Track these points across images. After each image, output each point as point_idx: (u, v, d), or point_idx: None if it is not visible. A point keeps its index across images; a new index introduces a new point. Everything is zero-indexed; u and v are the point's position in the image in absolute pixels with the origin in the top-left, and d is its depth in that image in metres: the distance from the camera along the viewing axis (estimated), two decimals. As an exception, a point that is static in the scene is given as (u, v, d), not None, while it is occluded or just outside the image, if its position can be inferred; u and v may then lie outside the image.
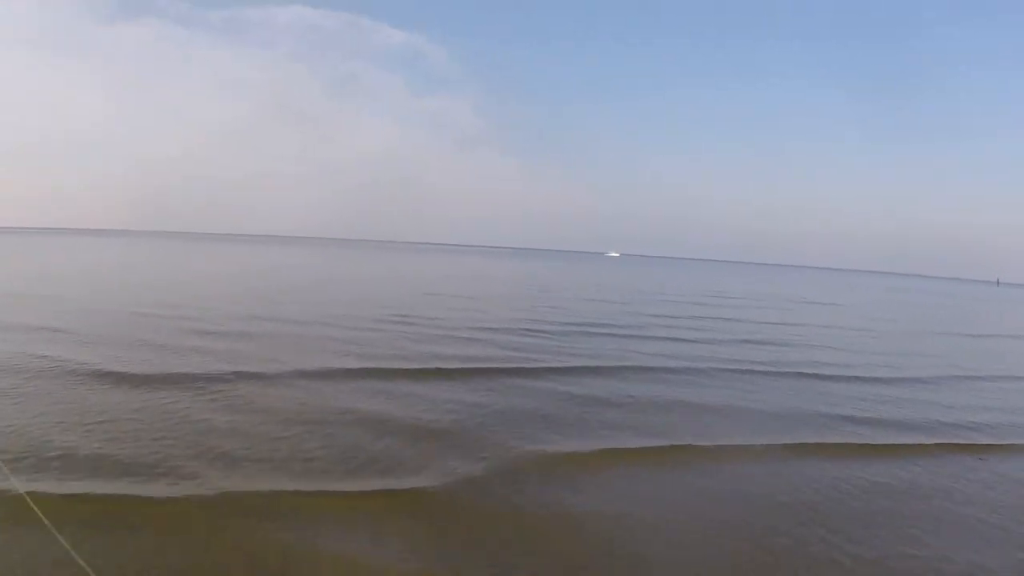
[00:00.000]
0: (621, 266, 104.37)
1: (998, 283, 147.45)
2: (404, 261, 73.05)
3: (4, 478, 5.16)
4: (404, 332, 15.37)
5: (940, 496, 6.61)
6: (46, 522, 4.24)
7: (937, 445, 8.52)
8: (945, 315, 38.18)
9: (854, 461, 7.55)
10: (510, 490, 6.04)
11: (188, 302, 19.48)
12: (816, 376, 12.88)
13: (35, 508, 4.36)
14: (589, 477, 6.47)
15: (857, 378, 13.05)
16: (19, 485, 4.96)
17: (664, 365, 12.94)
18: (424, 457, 6.70)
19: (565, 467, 6.71)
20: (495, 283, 39.90)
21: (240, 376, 9.88)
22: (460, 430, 7.73)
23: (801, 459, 7.45)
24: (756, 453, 7.51)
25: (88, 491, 5.35)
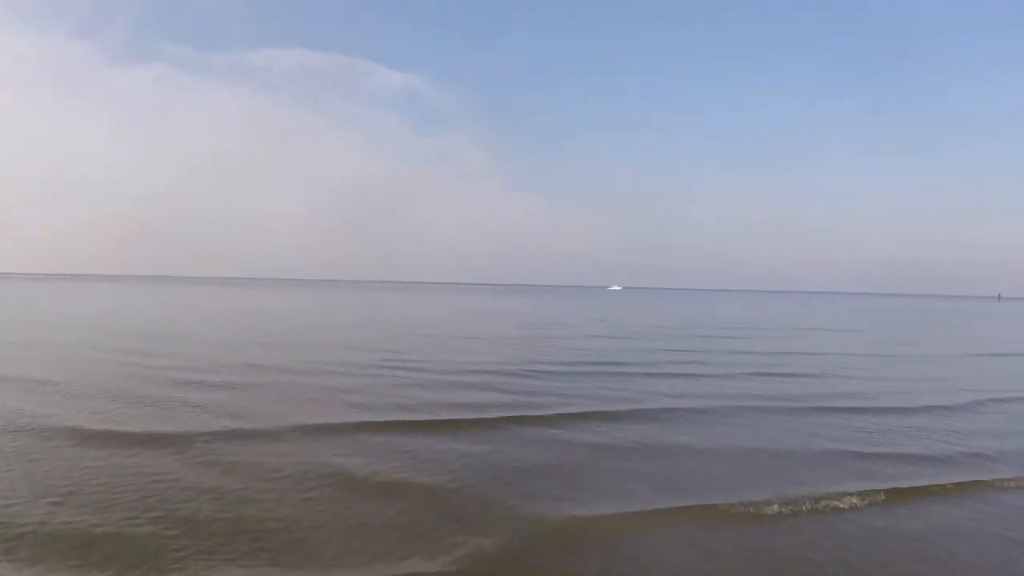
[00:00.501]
0: (623, 300, 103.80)
1: (999, 298, 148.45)
2: (403, 302, 72.57)
3: None
4: (405, 379, 14.68)
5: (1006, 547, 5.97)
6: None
7: (979, 483, 7.92)
8: (962, 335, 37.47)
9: (899, 509, 6.91)
10: (534, 571, 5.32)
11: (177, 350, 18.84)
12: (843, 410, 12.23)
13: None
14: (617, 549, 5.74)
15: (887, 409, 12.43)
16: None
17: (681, 406, 12.24)
18: (434, 530, 5.98)
19: (589, 536, 5.99)
20: (497, 321, 39.24)
21: (227, 434, 9.18)
22: (471, 493, 7.02)
23: (840, 514, 6.73)
24: (792, 510, 6.76)
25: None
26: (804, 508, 6.78)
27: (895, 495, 7.28)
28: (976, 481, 7.92)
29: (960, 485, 7.74)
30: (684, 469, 8.30)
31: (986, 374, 19.24)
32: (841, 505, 6.90)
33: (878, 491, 7.33)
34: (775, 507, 6.75)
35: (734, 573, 5.38)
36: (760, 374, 17.05)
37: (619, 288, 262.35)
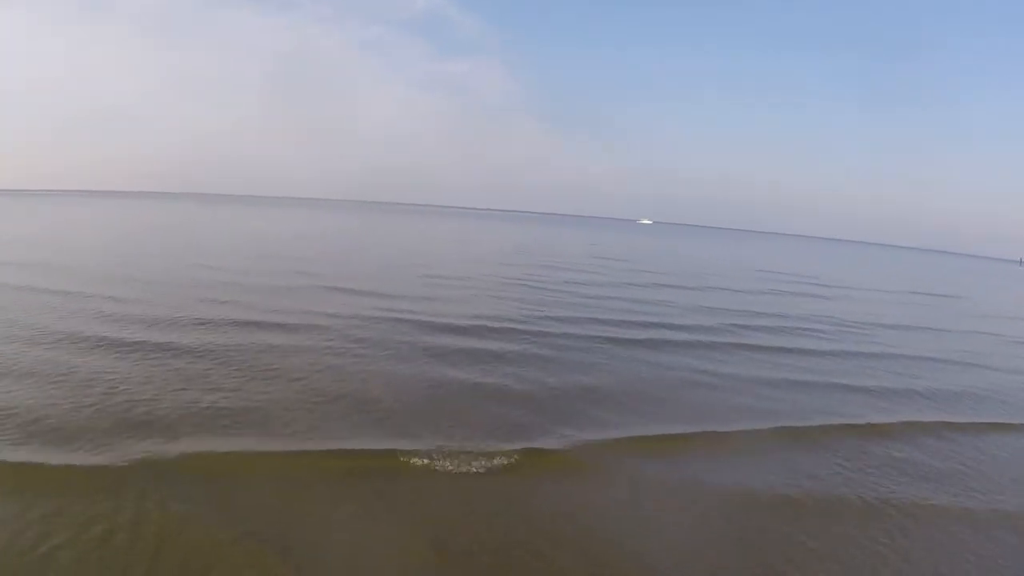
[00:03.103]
0: (662, 236, 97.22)
1: (1021, 263, 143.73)
2: (431, 227, 67.87)
3: None
4: (431, 344, 10.52)
5: None
6: None
7: None
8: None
9: None
10: None
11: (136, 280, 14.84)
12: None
13: None
14: None
15: None
16: None
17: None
18: None
19: None
20: (541, 255, 34.46)
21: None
22: None
23: None
24: None
25: None
26: None
27: None
28: None
29: None
30: None
31: None
32: None
33: None
34: None
35: None
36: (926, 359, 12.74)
37: (649, 222, 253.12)
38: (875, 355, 12.63)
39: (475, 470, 5.80)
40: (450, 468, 5.78)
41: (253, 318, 11.63)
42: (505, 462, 5.97)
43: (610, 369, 9.88)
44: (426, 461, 5.86)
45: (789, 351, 12.27)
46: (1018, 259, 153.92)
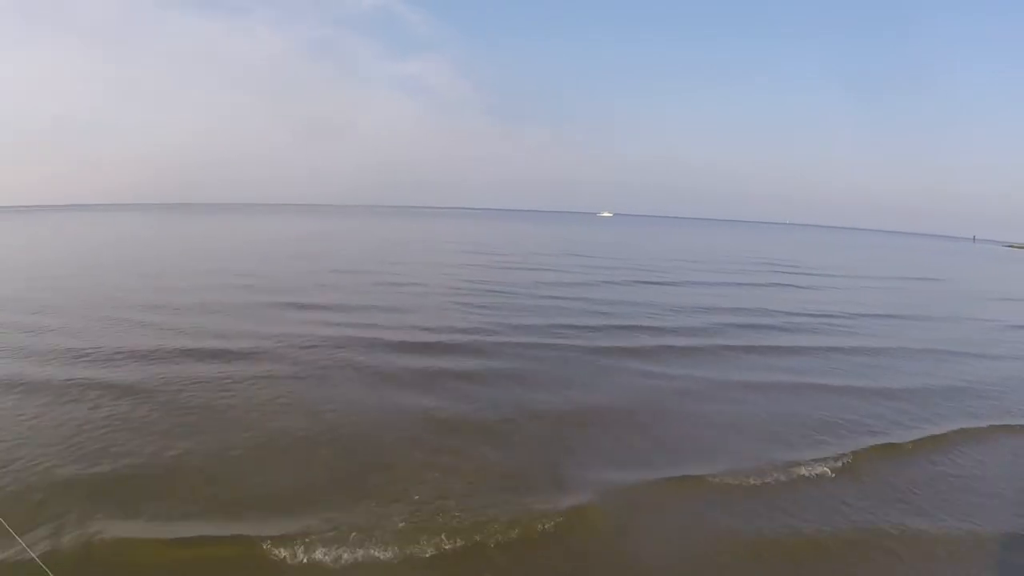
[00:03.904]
0: (624, 228, 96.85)
1: (974, 240, 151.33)
2: (391, 229, 65.85)
3: None
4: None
5: None
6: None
7: None
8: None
9: None
10: None
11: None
12: None
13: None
14: None
15: None
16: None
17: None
18: None
19: None
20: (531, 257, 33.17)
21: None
22: None
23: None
24: None
25: None
26: None
27: None
28: None
29: None
30: None
31: None
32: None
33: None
34: None
35: None
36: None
37: (610, 215, 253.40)
38: (891, 350, 12.25)
39: (442, 550, 4.68)
40: (425, 552, 4.65)
41: (189, 345, 10.23)
42: (504, 537, 4.86)
43: (595, 385, 8.88)
44: (389, 545, 4.72)
45: (794, 351, 11.69)
46: (971, 236, 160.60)
